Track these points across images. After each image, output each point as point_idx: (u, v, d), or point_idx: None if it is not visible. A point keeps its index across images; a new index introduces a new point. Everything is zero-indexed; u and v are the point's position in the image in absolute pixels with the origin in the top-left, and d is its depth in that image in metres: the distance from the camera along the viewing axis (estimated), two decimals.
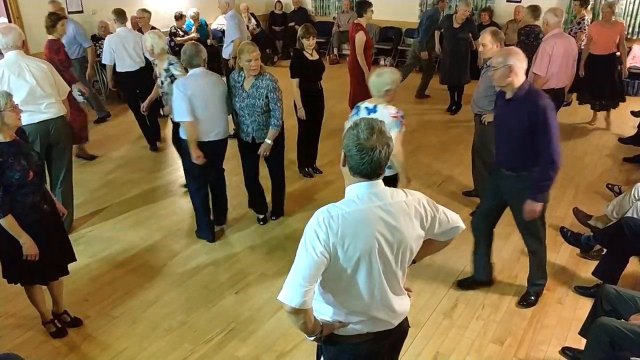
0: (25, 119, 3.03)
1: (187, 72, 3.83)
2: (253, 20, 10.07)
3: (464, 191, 4.86)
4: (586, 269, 3.72)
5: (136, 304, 3.37)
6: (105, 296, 3.44)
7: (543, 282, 3.36)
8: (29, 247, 2.72)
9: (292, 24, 10.22)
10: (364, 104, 3.30)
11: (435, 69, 8.18)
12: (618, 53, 6.32)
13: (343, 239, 1.62)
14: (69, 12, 7.52)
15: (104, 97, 7.74)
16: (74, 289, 3.46)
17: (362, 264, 1.67)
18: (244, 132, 3.96)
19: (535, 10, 5.88)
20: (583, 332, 2.84)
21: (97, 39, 7.58)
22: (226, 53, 6.33)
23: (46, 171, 3.45)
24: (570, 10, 8.22)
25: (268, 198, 4.41)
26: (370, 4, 5.68)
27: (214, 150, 3.87)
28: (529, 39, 5.93)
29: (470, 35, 6.93)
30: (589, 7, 7.48)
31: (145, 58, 5.67)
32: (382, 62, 10.16)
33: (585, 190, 4.96)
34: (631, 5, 8.19)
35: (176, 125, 4.20)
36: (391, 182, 3.23)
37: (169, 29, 8.91)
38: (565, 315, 3.26)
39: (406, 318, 1.93)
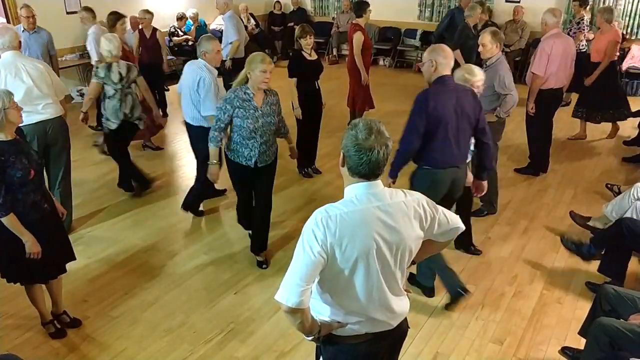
0: (23, 120, 3.02)
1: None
2: (252, 21, 10.07)
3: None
4: (585, 269, 3.73)
5: (135, 305, 3.37)
6: (105, 297, 3.44)
7: None
8: (31, 245, 2.72)
9: (291, 24, 10.22)
10: None
11: None
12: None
13: (341, 239, 1.62)
14: (67, 13, 7.53)
15: None
16: (73, 290, 3.46)
17: (360, 265, 1.67)
18: (244, 157, 3.43)
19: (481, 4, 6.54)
20: (582, 332, 2.85)
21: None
22: (223, 54, 6.32)
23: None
24: (570, 11, 8.23)
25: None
26: (368, 5, 5.68)
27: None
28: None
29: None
30: (588, 7, 7.48)
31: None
32: (381, 63, 10.17)
33: (584, 191, 4.96)
34: (630, 5, 8.20)
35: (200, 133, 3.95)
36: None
37: (168, 29, 8.93)
38: (565, 315, 3.27)
39: (405, 319, 1.92)
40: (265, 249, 3.85)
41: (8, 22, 6.75)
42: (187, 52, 9.03)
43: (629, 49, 8.18)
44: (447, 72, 3.05)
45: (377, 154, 1.63)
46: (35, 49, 5.75)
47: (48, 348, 3.00)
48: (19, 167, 2.66)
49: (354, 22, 5.75)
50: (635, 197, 3.70)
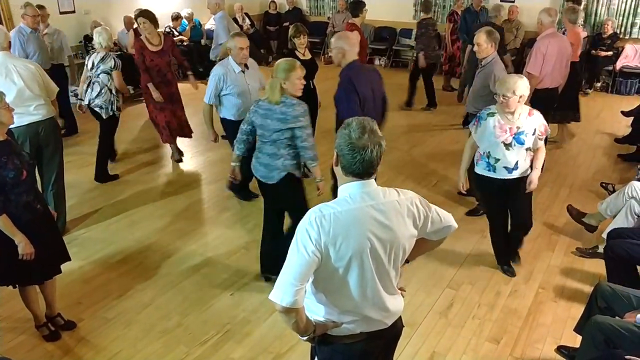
0: (14, 121, 3.00)
1: None
2: (247, 20, 10.05)
3: (459, 191, 4.85)
4: (581, 267, 3.74)
5: (131, 306, 3.35)
6: (99, 298, 3.42)
7: None
8: (24, 246, 2.70)
9: (286, 24, 10.20)
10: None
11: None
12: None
13: (335, 238, 1.62)
14: (60, 13, 7.51)
15: None
16: (68, 292, 3.43)
17: (354, 264, 1.67)
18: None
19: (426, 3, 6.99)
20: (578, 329, 2.85)
21: (89, 39, 7.55)
22: (213, 54, 6.26)
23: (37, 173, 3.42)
24: (564, 11, 8.24)
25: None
26: (364, 4, 5.68)
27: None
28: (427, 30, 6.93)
29: None
30: (581, 7, 7.52)
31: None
32: (377, 62, 10.17)
33: (579, 189, 4.98)
34: (623, 5, 8.23)
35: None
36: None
37: (163, 29, 8.89)
38: (561, 313, 3.27)
39: (400, 317, 1.92)
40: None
41: (0, 23, 6.69)
42: (182, 52, 9.01)
43: (623, 48, 8.21)
44: (355, 56, 3.49)
45: (371, 153, 1.63)
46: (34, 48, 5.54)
47: (42, 351, 2.98)
48: (11, 168, 2.64)
49: (350, 21, 5.75)
50: (630, 195, 3.71)
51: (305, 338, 1.81)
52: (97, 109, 4.87)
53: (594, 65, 8.20)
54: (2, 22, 6.77)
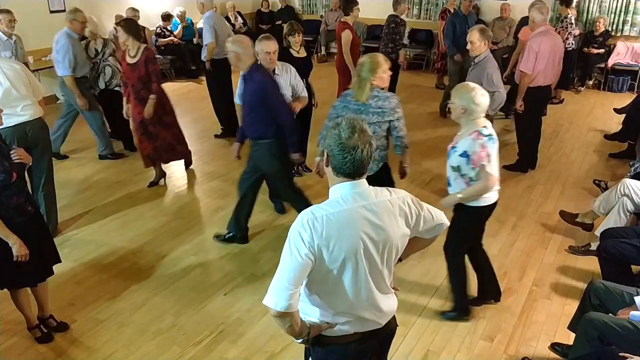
0: (2, 122, 2.95)
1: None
2: (239, 19, 10.02)
3: None
4: (574, 265, 3.75)
5: (124, 307, 3.33)
6: (92, 300, 3.39)
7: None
8: (18, 247, 2.66)
9: (279, 22, 10.18)
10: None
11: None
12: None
13: (328, 240, 1.61)
14: (51, 12, 7.43)
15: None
16: (60, 293, 3.41)
17: (347, 265, 1.66)
18: None
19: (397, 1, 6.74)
20: (572, 327, 2.86)
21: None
22: (202, 54, 6.20)
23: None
24: (556, 9, 8.28)
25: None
26: (356, 3, 5.66)
27: None
28: (389, 27, 6.74)
29: None
30: (573, 4, 7.54)
31: None
32: None
33: (572, 187, 5.00)
34: (615, 2, 8.28)
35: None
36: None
37: (154, 29, 8.83)
38: (554, 311, 3.28)
39: (394, 317, 1.92)
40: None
41: None
42: (174, 51, 8.96)
43: (615, 45, 8.26)
44: (252, 60, 3.55)
45: (361, 153, 1.63)
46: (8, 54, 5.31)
47: (34, 353, 2.95)
48: (0, 170, 2.61)
49: (342, 20, 5.73)
50: (622, 192, 3.73)
51: (299, 340, 1.80)
52: (117, 89, 5.42)
53: (586, 63, 8.24)
54: None
